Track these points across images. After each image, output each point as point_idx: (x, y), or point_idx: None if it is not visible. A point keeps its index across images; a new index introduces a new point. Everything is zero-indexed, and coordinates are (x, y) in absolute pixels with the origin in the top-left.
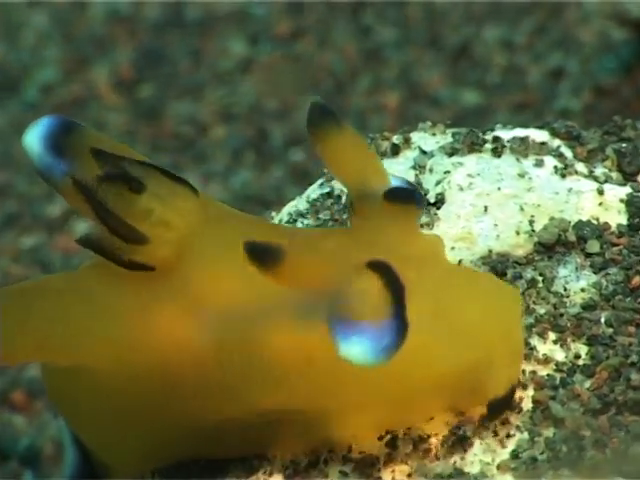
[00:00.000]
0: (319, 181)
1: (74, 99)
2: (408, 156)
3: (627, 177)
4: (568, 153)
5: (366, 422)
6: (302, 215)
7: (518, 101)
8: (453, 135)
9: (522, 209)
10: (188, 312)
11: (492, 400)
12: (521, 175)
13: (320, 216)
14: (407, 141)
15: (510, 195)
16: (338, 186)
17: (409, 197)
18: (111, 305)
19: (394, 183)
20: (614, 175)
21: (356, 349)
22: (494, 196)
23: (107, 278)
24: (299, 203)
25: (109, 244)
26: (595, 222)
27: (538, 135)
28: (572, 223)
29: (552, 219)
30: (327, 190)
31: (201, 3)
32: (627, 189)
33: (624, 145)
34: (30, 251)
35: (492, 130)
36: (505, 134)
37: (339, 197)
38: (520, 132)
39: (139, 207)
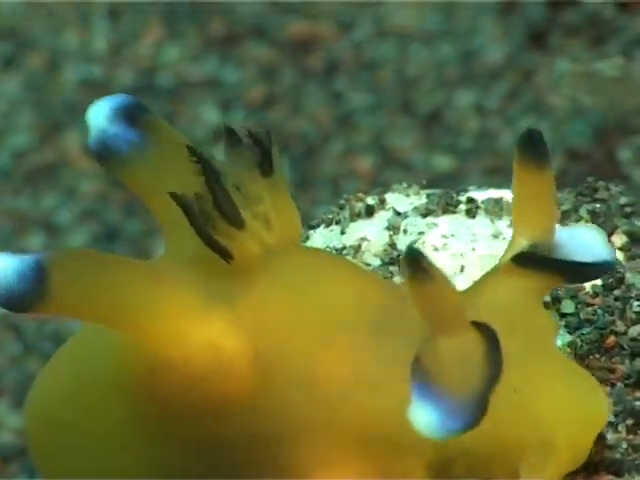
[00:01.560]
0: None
1: (46, 165)
2: (382, 217)
3: None
4: None
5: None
6: None
7: (490, 165)
8: (428, 196)
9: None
10: (239, 324)
11: None
12: (495, 236)
13: None
14: (382, 202)
15: (484, 255)
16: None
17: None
18: (170, 293)
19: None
20: None
21: (424, 417)
22: (468, 256)
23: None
24: None
25: (204, 213)
26: None
27: (512, 196)
28: None
29: None
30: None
31: (173, 70)
32: None
33: (598, 206)
34: (3, 317)
35: (466, 191)
36: (479, 195)
37: None
38: (494, 193)
39: (251, 192)
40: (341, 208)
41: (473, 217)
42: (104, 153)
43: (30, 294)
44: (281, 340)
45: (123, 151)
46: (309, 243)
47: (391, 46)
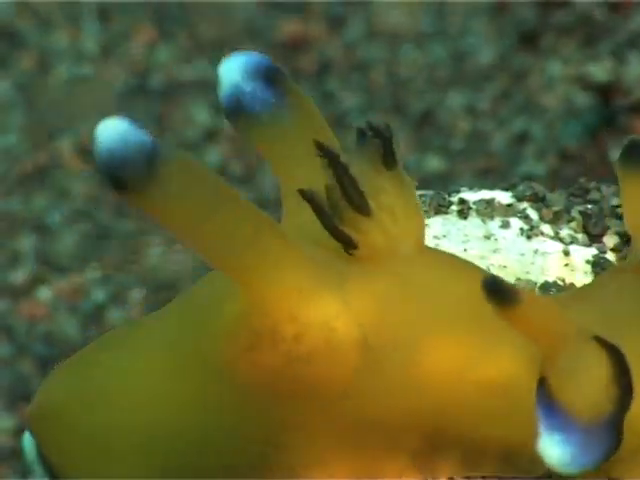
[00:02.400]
0: None
1: (38, 166)
2: None
3: (593, 238)
4: (534, 215)
5: None
6: None
7: (482, 166)
8: (419, 197)
9: (488, 270)
10: (352, 309)
11: None
12: (487, 237)
13: None
14: None
15: (476, 256)
16: None
17: None
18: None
19: None
20: (580, 237)
21: (556, 451)
22: (460, 257)
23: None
24: None
25: (331, 203)
26: (561, 283)
27: (504, 197)
28: (538, 284)
29: (518, 280)
30: None
31: (164, 71)
32: (593, 250)
33: (590, 207)
34: None
35: (458, 192)
36: (471, 196)
37: None
38: (486, 194)
39: (376, 185)
40: None
41: (465, 218)
42: (236, 110)
43: (136, 164)
44: (392, 332)
45: (256, 111)
46: None
47: (382, 47)
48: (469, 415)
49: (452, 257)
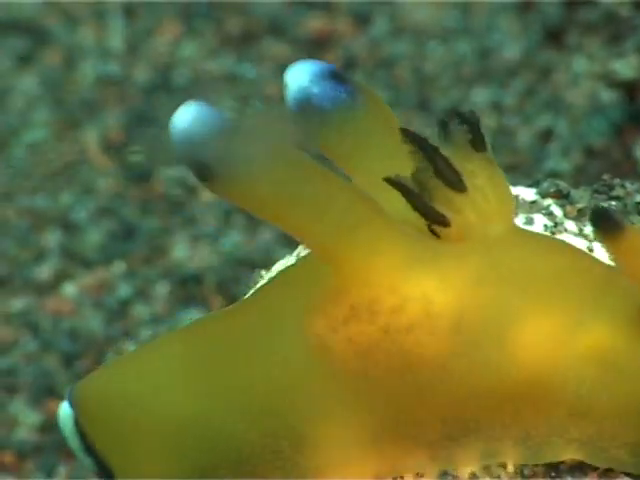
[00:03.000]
0: None
1: (64, 162)
2: None
3: None
4: (558, 211)
5: None
6: None
7: (508, 163)
8: None
9: None
10: (451, 286)
11: None
12: None
13: None
14: None
15: None
16: None
17: None
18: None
19: None
20: None
21: None
22: (551, 236)
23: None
24: (289, 261)
25: (421, 185)
26: None
27: (528, 194)
28: None
29: None
30: None
31: (190, 66)
32: None
33: (613, 204)
34: (20, 314)
35: None
36: None
37: None
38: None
39: (466, 169)
40: None
41: None
42: (305, 111)
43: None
44: (487, 308)
45: (327, 109)
46: None
47: (408, 43)
48: (562, 388)
49: (543, 236)
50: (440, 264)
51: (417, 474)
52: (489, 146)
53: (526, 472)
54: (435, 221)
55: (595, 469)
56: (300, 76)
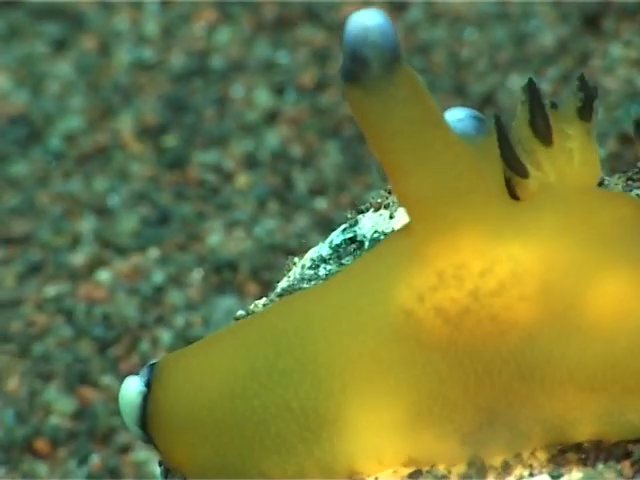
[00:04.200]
0: (342, 226)
1: (98, 148)
2: None
3: None
4: None
5: None
6: (324, 261)
7: None
8: None
9: None
10: (535, 245)
11: None
12: None
13: (343, 261)
14: None
15: None
16: (361, 231)
17: None
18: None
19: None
20: None
21: None
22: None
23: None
24: (322, 249)
25: (516, 133)
26: None
27: None
28: None
29: None
30: (350, 235)
31: (225, 53)
32: None
33: None
34: (54, 300)
35: None
36: None
37: (362, 242)
38: None
39: (565, 131)
40: (390, 192)
41: None
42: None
43: (385, 51)
44: (566, 270)
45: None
46: (358, 227)
47: (444, 29)
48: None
49: (623, 194)
50: (520, 223)
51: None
52: (595, 119)
53: (559, 460)
54: (515, 170)
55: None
56: (454, 112)
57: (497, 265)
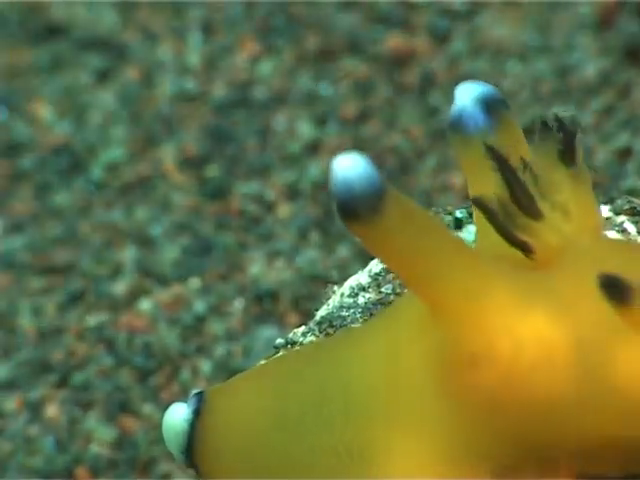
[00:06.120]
0: None
1: (140, 178)
2: (471, 230)
3: None
4: (632, 228)
5: None
6: (364, 289)
7: None
8: None
9: None
10: (559, 316)
11: None
12: None
13: (382, 290)
14: (470, 215)
15: None
16: None
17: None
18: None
19: None
20: None
21: None
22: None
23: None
24: (361, 277)
25: (505, 210)
26: None
27: (602, 211)
28: None
29: None
30: None
31: (267, 84)
32: None
33: None
34: (95, 329)
35: None
36: None
37: None
38: None
39: (552, 180)
40: None
41: None
42: (455, 126)
43: (368, 198)
44: (593, 336)
45: (469, 129)
46: None
47: (486, 61)
48: None
49: (629, 245)
50: (539, 294)
51: None
52: (580, 159)
53: None
54: (518, 248)
55: None
56: (465, 95)
57: (525, 344)
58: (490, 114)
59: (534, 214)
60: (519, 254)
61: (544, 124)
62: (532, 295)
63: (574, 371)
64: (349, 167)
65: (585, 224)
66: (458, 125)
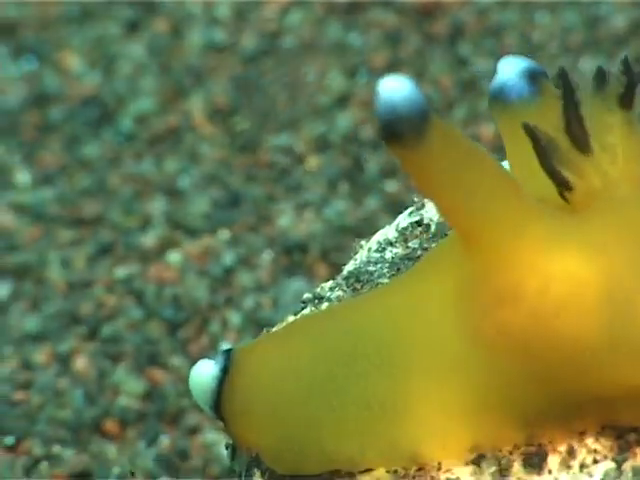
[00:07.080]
0: (409, 209)
1: (169, 129)
2: None
3: None
4: None
5: None
6: (391, 244)
7: None
8: None
9: None
10: (592, 256)
11: None
12: None
13: (409, 244)
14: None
15: None
16: (428, 215)
17: None
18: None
19: None
20: None
21: None
22: None
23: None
24: (388, 232)
25: (552, 144)
26: None
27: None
28: None
29: None
30: (417, 218)
31: (297, 34)
32: None
33: None
34: (124, 281)
35: None
36: None
37: (428, 225)
38: None
39: (605, 122)
40: None
41: None
42: (497, 97)
43: (412, 120)
44: (623, 281)
45: (511, 99)
46: (424, 210)
47: (516, 12)
48: None
49: None
50: (573, 236)
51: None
52: (636, 107)
53: (621, 444)
54: (559, 184)
55: None
56: (508, 68)
57: (553, 283)
58: (535, 86)
59: (585, 148)
60: (555, 199)
61: (601, 71)
62: (567, 237)
63: (604, 310)
64: (395, 89)
65: (629, 171)
66: (500, 95)
